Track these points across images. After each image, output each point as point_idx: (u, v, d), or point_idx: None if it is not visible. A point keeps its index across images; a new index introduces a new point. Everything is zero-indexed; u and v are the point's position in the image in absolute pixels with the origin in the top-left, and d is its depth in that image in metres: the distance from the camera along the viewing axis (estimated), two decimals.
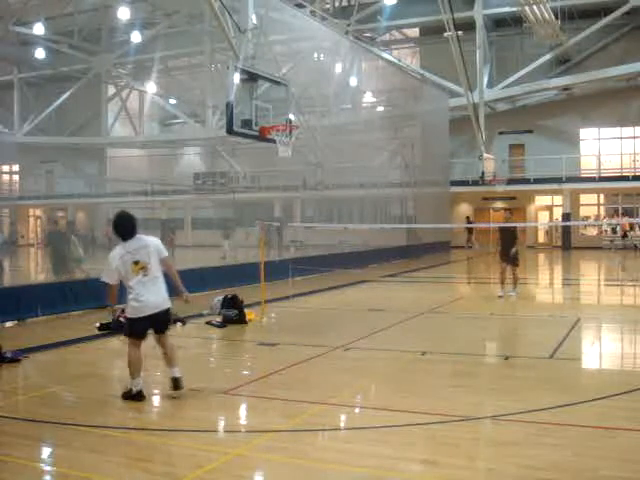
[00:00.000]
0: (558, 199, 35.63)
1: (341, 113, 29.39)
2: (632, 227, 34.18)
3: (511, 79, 33.33)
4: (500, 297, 13.94)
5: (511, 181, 34.52)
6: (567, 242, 34.39)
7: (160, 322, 6.55)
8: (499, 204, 37.24)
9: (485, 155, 30.50)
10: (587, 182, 34.45)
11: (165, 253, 6.67)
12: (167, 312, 6.58)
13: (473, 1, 31.12)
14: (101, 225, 44.68)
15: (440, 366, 7.88)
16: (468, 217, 37.05)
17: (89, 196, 43.91)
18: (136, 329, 6.54)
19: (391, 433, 5.46)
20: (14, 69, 42.57)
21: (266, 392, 6.65)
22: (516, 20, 32.32)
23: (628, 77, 32.63)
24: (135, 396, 6.36)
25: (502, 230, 14.59)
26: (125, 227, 6.55)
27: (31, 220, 47.70)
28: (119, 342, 9.80)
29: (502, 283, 14.23)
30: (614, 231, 34.71)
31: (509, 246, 14.05)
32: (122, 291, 6.82)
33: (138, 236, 6.56)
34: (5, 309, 10.92)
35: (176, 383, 6.45)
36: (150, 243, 6.57)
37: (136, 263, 6.43)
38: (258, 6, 17.88)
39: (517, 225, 15.10)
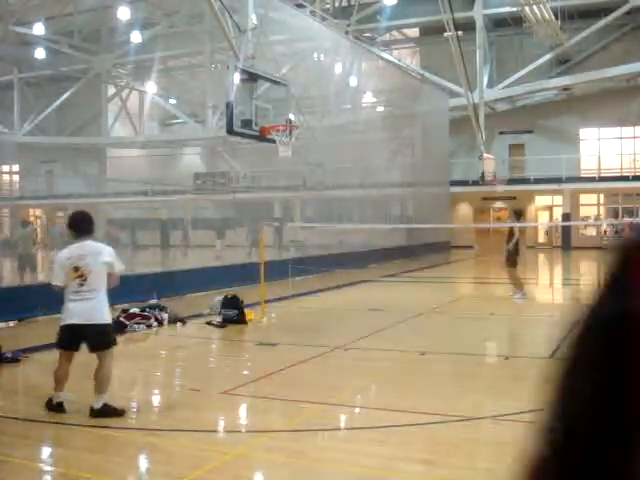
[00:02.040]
0: (558, 199, 35.61)
1: (341, 113, 29.37)
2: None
3: (511, 79, 33.32)
4: (519, 298, 13.75)
5: (511, 181, 34.48)
6: (567, 242, 34.38)
7: (89, 337, 6.04)
8: (499, 204, 37.25)
9: (485, 155, 30.46)
10: (587, 182, 34.43)
11: (119, 268, 6.17)
12: (97, 328, 6.00)
13: (473, 1, 31.10)
14: (101, 225, 44.76)
15: (440, 366, 7.88)
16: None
17: (89, 196, 43.83)
18: (61, 338, 6.19)
19: (391, 433, 5.46)
20: (14, 69, 42.53)
21: (266, 392, 6.65)
22: (516, 20, 32.29)
23: (628, 77, 32.62)
24: (55, 407, 5.94)
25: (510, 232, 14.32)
26: (79, 227, 6.17)
27: (31, 220, 47.67)
28: (119, 342, 9.81)
29: (520, 285, 14.06)
30: (616, 232, 34.70)
31: (512, 249, 13.89)
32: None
33: (90, 242, 6.13)
34: (5, 309, 10.91)
35: (91, 412, 5.83)
36: (102, 253, 6.08)
37: (76, 269, 5.99)
38: (258, 6, 17.88)
39: (512, 225, 14.80)
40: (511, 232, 14.09)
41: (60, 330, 6.15)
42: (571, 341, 0.68)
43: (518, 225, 14.80)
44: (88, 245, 6.10)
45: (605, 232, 35.25)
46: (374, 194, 28.27)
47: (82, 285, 5.98)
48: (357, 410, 6.30)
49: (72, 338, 6.08)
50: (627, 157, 35.17)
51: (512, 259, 13.94)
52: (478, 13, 30.91)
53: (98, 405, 5.87)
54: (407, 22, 35.01)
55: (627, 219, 33.66)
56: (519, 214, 15.29)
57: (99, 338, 6.07)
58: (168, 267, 24.68)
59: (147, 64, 39.26)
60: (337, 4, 34.77)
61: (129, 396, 6.92)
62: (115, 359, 8.95)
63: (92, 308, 6.01)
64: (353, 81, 28.97)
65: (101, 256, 6.05)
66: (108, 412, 5.84)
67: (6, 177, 48.40)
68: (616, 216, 35.45)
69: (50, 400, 6.02)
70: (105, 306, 6.10)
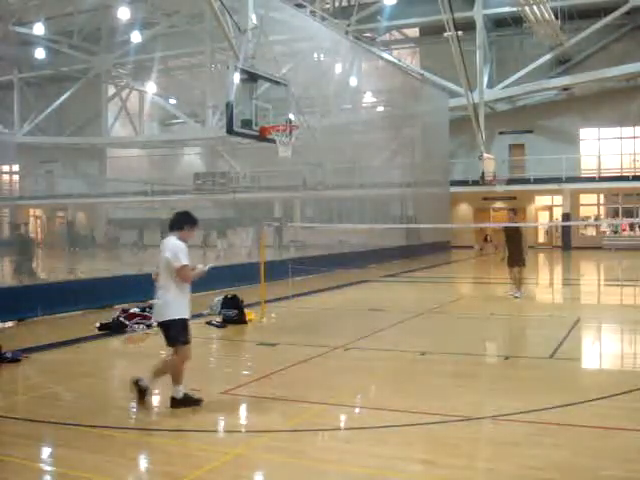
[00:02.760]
0: (558, 199, 35.61)
1: (341, 113, 29.35)
2: (632, 227, 34.20)
3: (511, 79, 33.32)
4: (517, 298, 13.76)
5: (511, 181, 34.51)
6: (567, 242, 34.38)
7: (162, 333, 6.27)
8: (499, 204, 37.24)
9: (485, 155, 30.47)
10: (587, 182, 34.44)
11: (175, 263, 6.04)
12: (162, 325, 6.18)
13: (473, 1, 31.10)
14: (101, 225, 44.78)
15: (440, 366, 7.88)
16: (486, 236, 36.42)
17: (89, 196, 43.87)
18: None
19: (391, 433, 5.46)
20: (14, 69, 42.53)
21: (266, 392, 6.65)
22: (516, 20, 32.31)
23: (628, 77, 32.62)
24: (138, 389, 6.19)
25: (508, 233, 14.21)
26: (170, 221, 6.30)
27: (31, 220, 47.70)
28: (119, 342, 9.82)
29: (516, 283, 14.06)
30: (615, 232, 34.69)
31: (517, 248, 13.85)
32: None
33: (168, 239, 6.20)
34: (5, 309, 10.91)
35: (172, 401, 6.12)
36: (166, 250, 6.10)
37: (158, 265, 6.22)
38: (258, 6, 17.86)
39: (519, 225, 14.80)
40: (522, 236, 14.04)
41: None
42: None
43: (523, 225, 14.80)
44: (165, 241, 6.20)
45: (604, 232, 35.23)
46: (374, 194, 28.27)
47: (156, 280, 6.19)
48: (357, 410, 6.30)
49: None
50: (627, 157, 35.17)
51: (524, 260, 13.99)
52: (478, 13, 30.92)
53: (179, 395, 6.09)
54: (407, 22, 35.02)
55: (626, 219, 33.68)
56: (516, 213, 15.35)
57: (165, 334, 6.19)
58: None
59: (147, 64, 39.26)
60: (337, 4, 34.78)
61: (129, 396, 6.92)
62: (115, 359, 8.99)
63: (159, 306, 6.20)
64: (353, 81, 28.96)
65: (164, 252, 6.10)
66: (188, 402, 6.07)
67: (6, 177, 48.38)
68: (616, 216, 35.46)
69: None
70: (166, 305, 6.13)
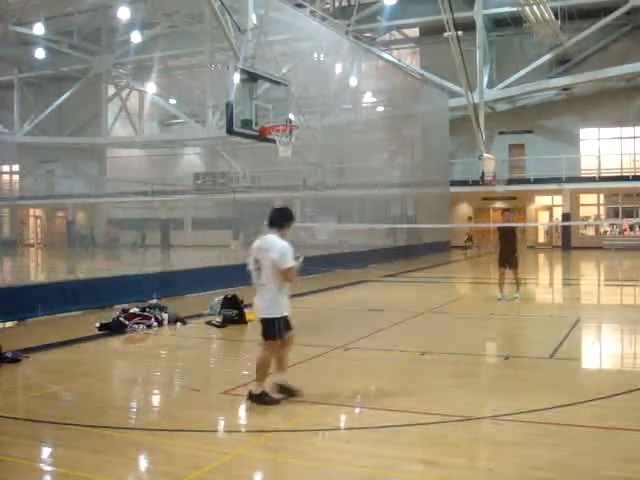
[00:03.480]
0: (558, 199, 35.62)
1: (341, 113, 29.37)
2: (632, 227, 34.20)
3: (511, 79, 33.32)
4: (500, 300, 13.66)
5: (511, 181, 34.49)
6: (567, 242, 34.39)
7: (261, 328, 6.31)
8: (499, 204, 37.24)
9: (485, 155, 30.45)
10: (587, 182, 34.44)
11: (283, 265, 6.04)
12: (262, 322, 6.24)
13: (473, 1, 31.10)
14: (101, 225, 44.81)
15: (440, 366, 7.87)
16: (470, 217, 37.06)
17: (89, 196, 43.91)
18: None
19: (391, 433, 5.46)
20: (14, 69, 42.55)
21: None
22: (516, 20, 32.30)
23: (628, 77, 32.62)
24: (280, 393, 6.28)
25: (501, 232, 14.10)
26: (268, 218, 6.30)
27: (31, 220, 47.73)
28: (119, 342, 9.82)
29: (501, 286, 13.88)
30: (620, 232, 34.69)
31: (509, 248, 13.77)
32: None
33: (270, 236, 6.21)
34: (5, 309, 10.92)
35: (249, 395, 6.22)
36: (272, 248, 6.10)
37: (256, 261, 6.21)
38: (258, 6, 17.86)
39: (516, 225, 14.67)
40: (516, 236, 13.97)
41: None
42: None
43: (516, 225, 14.69)
44: (268, 240, 6.19)
45: (605, 232, 35.21)
46: (374, 194, 28.28)
47: (258, 277, 6.19)
48: (357, 410, 6.29)
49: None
50: (627, 157, 35.17)
51: (517, 261, 13.87)
52: (478, 13, 30.90)
53: (257, 391, 6.14)
54: (407, 22, 35.03)
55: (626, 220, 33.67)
56: (511, 212, 15.21)
57: (264, 329, 6.25)
58: (169, 267, 24.67)
59: (147, 64, 39.27)
60: (337, 4, 34.79)
61: (129, 396, 6.93)
62: (115, 359, 8.99)
63: (262, 302, 6.23)
64: (353, 81, 28.97)
65: (270, 252, 6.10)
66: (263, 400, 6.09)
67: (6, 177, 48.41)
68: (616, 216, 35.47)
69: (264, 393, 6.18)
70: (268, 300, 6.17)
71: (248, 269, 6.32)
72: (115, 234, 42.43)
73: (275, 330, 6.18)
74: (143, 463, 4.99)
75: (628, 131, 35.42)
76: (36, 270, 26.01)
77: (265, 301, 6.19)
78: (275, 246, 6.09)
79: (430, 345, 9.07)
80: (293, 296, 14.37)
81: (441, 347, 8.92)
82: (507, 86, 33.57)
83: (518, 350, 9.27)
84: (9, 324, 11.13)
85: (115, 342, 9.74)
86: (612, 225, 34.97)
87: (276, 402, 6.13)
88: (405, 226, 28.76)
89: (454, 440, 5.18)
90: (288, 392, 6.24)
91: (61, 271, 24.58)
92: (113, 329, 10.32)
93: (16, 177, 48.18)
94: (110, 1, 34.19)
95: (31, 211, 46.89)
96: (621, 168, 34.94)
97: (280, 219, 6.27)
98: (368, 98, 33.79)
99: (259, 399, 6.12)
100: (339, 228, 26.25)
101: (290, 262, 6.08)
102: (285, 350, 6.36)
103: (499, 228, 14.51)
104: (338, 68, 27.91)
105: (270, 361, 6.30)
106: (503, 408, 5.92)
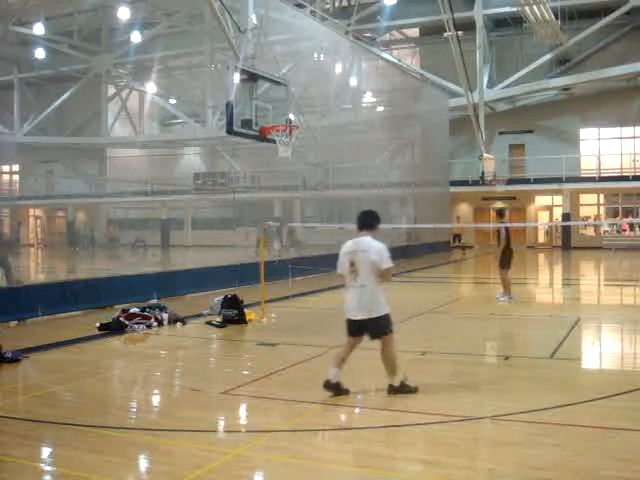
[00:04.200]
0: (558, 199, 35.62)
1: (341, 113, 29.36)
2: (632, 227, 34.20)
3: (511, 79, 33.31)
4: (502, 301, 13.66)
5: (511, 181, 34.52)
6: (567, 242, 34.39)
7: (367, 329, 6.40)
8: (499, 204, 37.22)
9: (485, 155, 30.49)
10: (587, 182, 34.44)
11: (382, 266, 6.25)
12: (372, 321, 6.33)
13: (473, 1, 31.11)
14: (101, 225, 44.82)
15: (440, 366, 7.87)
16: (458, 217, 37.20)
17: (89, 196, 43.93)
18: (347, 327, 6.53)
19: (391, 433, 5.46)
20: (14, 69, 42.53)
21: (266, 392, 6.64)
22: (516, 20, 32.29)
23: (628, 77, 32.62)
24: (324, 385, 6.40)
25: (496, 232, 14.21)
26: (358, 221, 6.48)
27: (31, 220, 47.71)
28: (119, 342, 9.82)
29: (505, 286, 13.83)
30: (618, 232, 34.68)
31: (501, 249, 13.67)
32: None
33: (363, 238, 6.36)
34: (5, 309, 10.92)
35: (390, 388, 6.40)
36: (370, 249, 6.27)
37: (352, 264, 6.31)
38: (258, 6, 17.86)
39: (507, 225, 14.51)
40: (500, 235, 13.89)
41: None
42: None
43: (507, 225, 14.53)
44: (365, 241, 6.35)
45: (606, 232, 35.18)
46: (374, 194, 28.27)
47: (355, 280, 6.33)
48: (357, 410, 6.29)
49: (353, 329, 6.49)
50: (627, 157, 35.17)
51: (503, 261, 13.71)
52: (478, 13, 30.93)
53: (396, 383, 6.35)
54: (407, 22, 35.03)
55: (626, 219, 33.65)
56: (501, 214, 14.98)
57: (374, 329, 6.44)
58: (168, 267, 24.67)
59: (147, 64, 39.26)
60: (337, 4, 34.80)
61: (129, 396, 6.93)
62: (115, 359, 8.98)
63: (360, 304, 6.34)
64: (353, 81, 28.97)
65: (368, 253, 6.27)
66: (404, 390, 6.33)
67: (6, 177, 48.41)
68: (616, 216, 35.46)
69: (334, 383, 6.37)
70: (374, 299, 6.34)
71: (339, 271, 6.48)
72: (116, 234, 42.44)
73: (390, 324, 6.43)
74: (143, 463, 4.99)
75: (628, 131, 35.41)
76: (36, 270, 25.99)
77: (368, 302, 6.30)
78: (372, 247, 6.28)
79: (430, 345, 9.07)
80: (293, 296, 14.45)
81: (441, 347, 8.92)
82: (507, 86, 33.56)
83: (518, 350, 9.27)
84: (9, 324, 11.13)
85: (115, 342, 9.75)
86: (612, 225, 34.95)
87: (415, 390, 6.39)
88: (405, 226, 28.75)
89: (454, 440, 5.18)
90: (334, 388, 6.36)
91: (61, 271, 24.59)
92: (113, 329, 10.33)
93: (16, 177, 48.17)
94: (110, 1, 34.19)
95: (31, 211, 46.87)
96: (621, 168, 34.93)
97: (371, 220, 6.47)
98: (368, 98, 33.78)
99: (402, 389, 6.34)
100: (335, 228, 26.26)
101: (388, 262, 6.29)
102: (351, 350, 6.53)
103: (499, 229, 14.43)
104: (338, 68, 27.90)
105: (396, 353, 6.48)
106: (503, 408, 5.92)
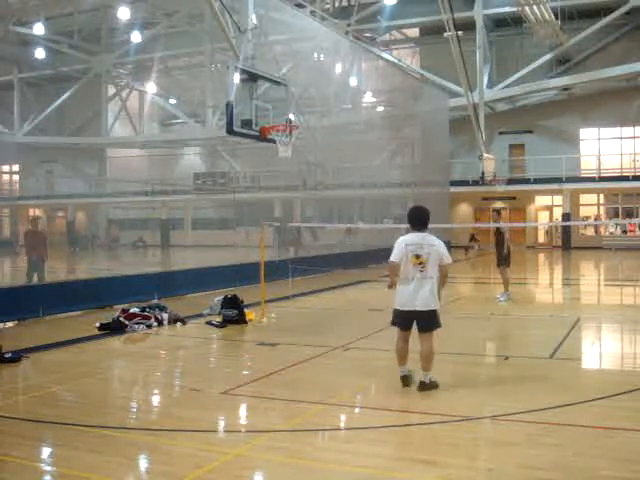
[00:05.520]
0: (558, 199, 35.63)
1: (341, 113, 29.35)
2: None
3: (511, 79, 33.31)
4: (501, 301, 13.68)
5: (511, 181, 34.52)
6: (567, 242, 34.39)
7: (421, 321, 6.58)
8: (499, 204, 37.26)
9: (485, 155, 30.47)
10: (587, 182, 34.45)
11: (447, 260, 6.63)
12: (429, 314, 6.54)
13: (473, 1, 31.10)
14: (101, 225, 44.80)
15: (440, 366, 7.85)
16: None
17: (89, 196, 43.93)
18: (396, 320, 6.69)
19: (391, 433, 5.46)
20: (14, 69, 42.54)
21: (266, 392, 6.64)
22: (516, 20, 32.30)
23: (628, 77, 32.60)
24: (401, 379, 6.63)
25: (494, 232, 14.20)
26: (417, 217, 6.72)
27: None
28: (119, 342, 9.82)
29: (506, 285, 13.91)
30: (624, 232, 34.67)
31: (499, 247, 13.73)
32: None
33: (427, 234, 6.65)
34: (5, 309, 10.91)
35: (421, 386, 6.54)
36: (437, 244, 6.60)
37: (417, 257, 6.50)
38: (258, 6, 17.85)
39: (507, 225, 14.60)
40: (500, 232, 13.93)
41: (395, 312, 6.74)
42: None
43: (505, 225, 14.61)
44: (429, 238, 6.65)
45: (612, 233, 35.12)
46: (374, 194, 28.28)
47: (422, 271, 6.53)
48: (357, 410, 6.29)
49: (405, 321, 6.69)
50: (627, 157, 35.18)
51: (505, 259, 13.78)
52: (478, 13, 30.91)
53: (427, 380, 6.54)
54: (407, 22, 35.02)
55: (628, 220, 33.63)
56: (499, 213, 15.23)
57: (427, 322, 6.64)
58: (168, 267, 24.67)
59: (147, 64, 39.27)
60: (337, 4, 34.79)
61: (129, 396, 6.93)
62: (115, 359, 8.98)
63: (422, 296, 6.55)
64: (353, 81, 28.95)
65: (436, 246, 6.59)
66: (433, 385, 6.55)
67: (6, 177, 48.41)
68: (616, 216, 35.45)
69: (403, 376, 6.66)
70: (433, 293, 6.59)
71: (396, 260, 6.57)
72: (117, 234, 42.44)
73: (439, 319, 6.64)
74: (143, 463, 4.99)
75: (628, 131, 35.42)
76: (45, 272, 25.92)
77: (430, 294, 6.54)
78: (439, 242, 6.65)
79: None
80: (293, 296, 14.45)
81: (441, 347, 8.88)
82: (507, 86, 33.55)
83: (518, 350, 9.26)
84: (9, 324, 11.14)
85: (115, 342, 9.75)
86: (616, 225, 34.92)
87: (437, 386, 6.61)
88: (404, 226, 28.72)
89: (454, 440, 5.18)
90: (425, 387, 6.54)
91: (61, 271, 24.58)
92: (113, 329, 10.33)
93: (16, 177, 48.17)
94: (110, 1, 34.17)
95: (31, 211, 46.87)
96: (621, 168, 34.94)
97: (428, 217, 6.78)
98: (368, 98, 33.75)
99: (432, 386, 6.54)
100: (339, 228, 26.24)
101: (450, 258, 6.72)
102: (407, 344, 6.76)
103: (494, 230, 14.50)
104: (338, 68, 27.89)
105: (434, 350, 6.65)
106: (503, 408, 5.92)
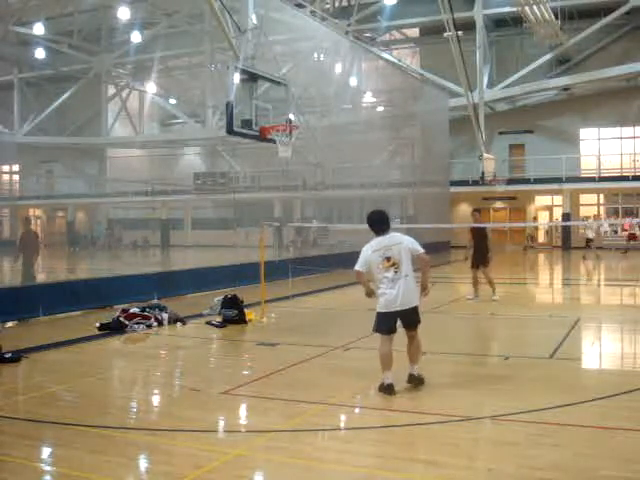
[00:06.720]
0: (558, 199, 35.63)
1: (341, 113, 29.36)
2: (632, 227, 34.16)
3: (511, 79, 33.31)
4: (469, 299, 13.68)
5: (511, 181, 34.51)
6: (567, 242, 34.38)
7: (407, 318, 6.61)
8: (499, 204, 37.27)
9: (485, 155, 30.47)
10: (587, 182, 34.44)
11: (420, 250, 6.64)
12: (414, 309, 6.60)
13: (473, 1, 31.10)
14: (101, 225, 44.79)
15: (440, 366, 7.87)
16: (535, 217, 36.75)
17: (89, 196, 43.93)
18: (381, 325, 6.63)
19: (391, 433, 5.46)
20: (14, 69, 42.54)
21: (266, 392, 6.64)
22: (516, 20, 32.29)
23: (628, 77, 32.61)
24: (385, 389, 6.46)
25: (473, 232, 13.96)
26: (378, 221, 6.71)
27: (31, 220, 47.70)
28: (119, 342, 9.82)
29: (475, 286, 13.88)
30: (615, 232, 34.64)
31: (481, 249, 13.63)
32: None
33: (392, 234, 6.66)
34: (5, 309, 10.91)
35: (411, 379, 6.64)
36: (404, 240, 6.61)
37: (388, 259, 6.49)
38: (258, 6, 17.87)
39: (487, 226, 14.53)
40: (487, 237, 13.81)
41: (379, 316, 6.67)
42: None
43: (484, 225, 14.59)
44: (395, 236, 6.67)
45: (606, 233, 35.13)
46: (374, 194, 28.27)
47: (396, 272, 6.49)
48: (357, 410, 6.29)
49: (392, 323, 6.66)
50: (627, 157, 35.17)
51: (487, 259, 13.73)
52: (478, 13, 30.92)
53: (416, 372, 6.66)
54: (407, 22, 35.03)
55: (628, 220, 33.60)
56: (479, 212, 15.31)
57: (414, 317, 6.70)
58: (168, 267, 24.67)
59: (147, 64, 39.25)
60: (337, 4, 34.76)
61: (129, 396, 6.93)
62: (115, 359, 8.99)
63: (406, 293, 6.55)
64: (353, 81, 28.96)
65: (404, 243, 6.59)
66: (420, 379, 6.65)
67: (6, 177, 48.41)
68: (616, 216, 35.43)
69: (382, 384, 6.53)
70: (415, 289, 6.67)
71: (362, 269, 6.59)
72: (118, 234, 42.45)
73: (420, 314, 6.70)
74: (143, 463, 4.99)
75: (628, 131, 35.41)
76: (36, 270, 25.95)
77: (412, 290, 6.58)
78: (405, 239, 6.66)
79: (430, 345, 9.03)
80: (293, 296, 14.44)
81: (441, 347, 8.92)
82: (507, 86, 33.56)
83: (518, 350, 9.26)
84: (9, 324, 11.14)
85: (115, 342, 9.75)
86: (612, 226, 34.88)
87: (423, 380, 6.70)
88: (404, 226, 28.71)
89: (454, 440, 5.18)
90: (417, 380, 6.64)
91: (61, 271, 24.58)
92: (113, 329, 10.33)
93: (16, 177, 48.17)
94: (110, 1, 34.15)
95: (31, 211, 46.88)
96: (621, 168, 34.93)
97: (388, 218, 6.80)
98: (368, 98, 33.77)
99: (421, 379, 6.63)
100: (340, 228, 26.26)
101: (421, 249, 6.66)
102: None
103: (470, 229, 14.45)
104: (338, 68, 27.89)
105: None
106: (503, 408, 5.92)
